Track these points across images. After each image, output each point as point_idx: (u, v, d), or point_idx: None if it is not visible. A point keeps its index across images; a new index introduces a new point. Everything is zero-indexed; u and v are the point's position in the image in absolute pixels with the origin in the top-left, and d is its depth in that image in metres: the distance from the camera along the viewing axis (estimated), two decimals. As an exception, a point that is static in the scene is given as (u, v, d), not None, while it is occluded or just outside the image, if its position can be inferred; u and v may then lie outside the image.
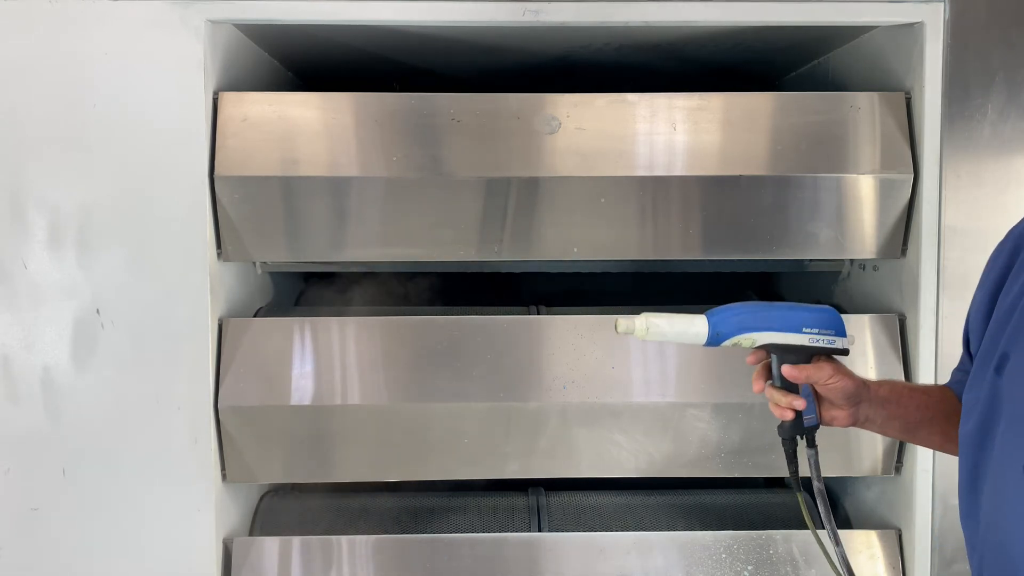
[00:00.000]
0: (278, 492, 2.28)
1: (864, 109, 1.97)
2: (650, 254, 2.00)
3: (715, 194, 1.97)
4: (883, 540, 2.00)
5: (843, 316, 2.04)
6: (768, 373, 1.42)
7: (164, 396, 1.89)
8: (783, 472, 2.03)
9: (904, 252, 1.99)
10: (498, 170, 1.95)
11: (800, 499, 1.47)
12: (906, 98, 1.98)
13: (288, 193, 1.94)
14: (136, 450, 1.89)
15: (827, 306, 1.43)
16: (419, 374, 1.96)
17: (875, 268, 2.15)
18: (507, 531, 2.10)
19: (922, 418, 1.42)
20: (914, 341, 1.95)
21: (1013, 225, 1.33)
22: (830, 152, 1.97)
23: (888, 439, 1.97)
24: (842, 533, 2.01)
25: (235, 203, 1.92)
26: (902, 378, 1.96)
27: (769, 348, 1.40)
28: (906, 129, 1.97)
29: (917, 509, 1.94)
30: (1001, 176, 1.92)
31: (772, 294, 2.79)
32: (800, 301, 2.48)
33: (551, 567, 1.97)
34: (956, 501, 1.31)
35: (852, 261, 2.24)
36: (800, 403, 1.39)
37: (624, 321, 1.36)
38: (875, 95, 1.98)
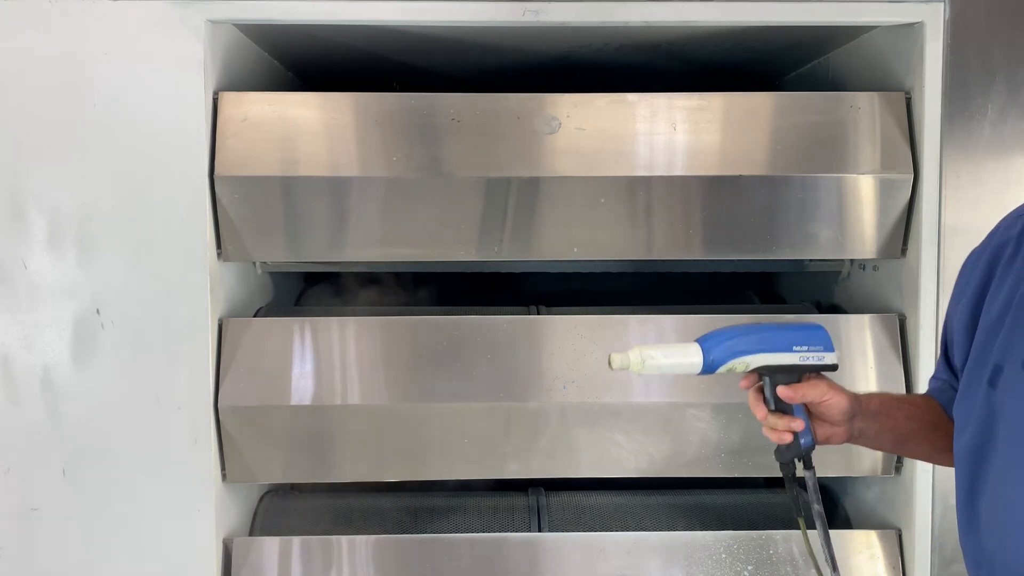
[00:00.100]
0: (278, 492, 2.28)
1: (864, 109, 1.97)
2: (650, 254, 2.00)
3: (715, 194, 1.96)
4: (883, 540, 2.00)
5: (843, 316, 2.06)
6: (762, 397, 1.39)
7: (164, 396, 1.89)
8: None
9: (904, 252, 1.99)
10: (498, 170, 1.95)
11: (801, 524, 1.42)
12: (906, 98, 1.98)
13: (288, 193, 1.94)
14: (136, 450, 1.89)
15: (813, 322, 1.41)
16: (419, 374, 1.96)
17: (875, 268, 2.15)
18: (507, 531, 2.10)
19: (912, 429, 1.41)
20: (914, 341, 1.95)
21: (988, 234, 1.33)
22: (830, 152, 1.97)
23: (888, 439, 1.97)
24: (842, 533, 2.03)
25: (235, 203, 1.92)
26: (902, 378, 1.96)
27: (761, 371, 1.37)
28: (906, 129, 1.97)
29: (917, 509, 1.94)
30: (1001, 176, 1.92)
31: (772, 294, 2.79)
32: (800, 301, 2.50)
33: (551, 567, 1.97)
34: (955, 501, 1.30)
35: (852, 261, 2.24)
36: (799, 424, 1.36)
37: (618, 357, 1.33)
38: (875, 95, 1.98)
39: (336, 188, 1.94)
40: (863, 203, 1.97)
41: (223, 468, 1.94)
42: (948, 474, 1.92)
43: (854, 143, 1.97)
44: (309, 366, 1.95)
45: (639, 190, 1.96)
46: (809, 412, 1.37)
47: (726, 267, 2.35)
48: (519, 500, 2.20)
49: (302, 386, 1.94)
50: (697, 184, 1.96)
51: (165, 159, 1.87)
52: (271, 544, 1.97)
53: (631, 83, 2.54)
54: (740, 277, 2.68)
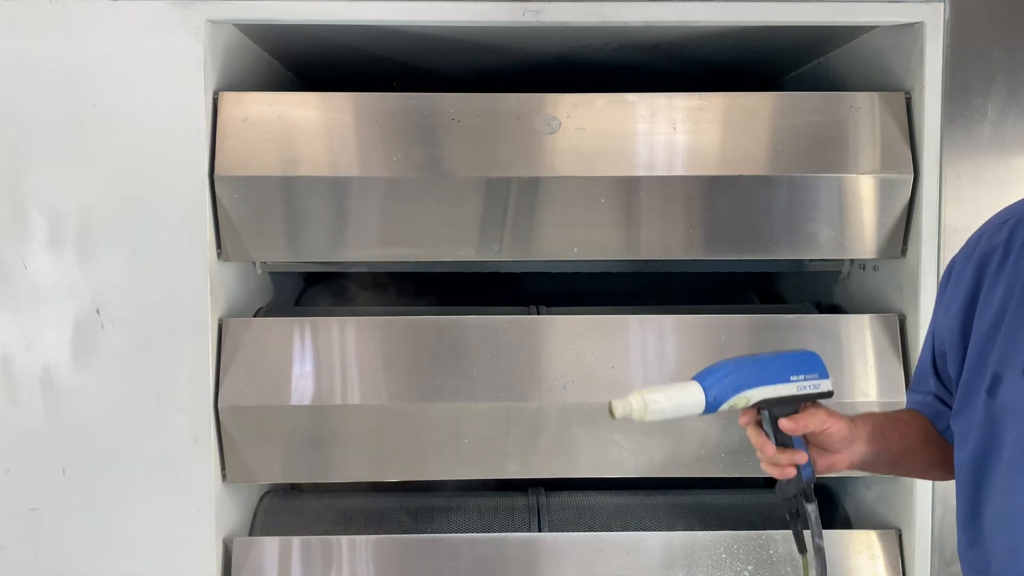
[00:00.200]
0: (278, 492, 2.28)
1: (864, 109, 1.97)
2: (650, 254, 2.00)
3: (715, 194, 1.96)
4: (883, 540, 2.00)
5: (843, 316, 2.06)
6: (763, 432, 1.33)
7: (164, 396, 1.89)
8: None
9: (904, 252, 1.99)
10: (498, 170, 1.95)
11: (804, 563, 1.38)
12: (906, 98, 1.98)
13: (288, 193, 1.94)
14: (136, 450, 1.89)
15: (806, 349, 1.36)
16: (419, 374, 1.96)
17: (875, 268, 2.15)
18: (507, 531, 2.10)
19: (906, 448, 1.38)
20: (914, 341, 1.95)
21: (968, 242, 1.32)
22: (830, 152, 1.97)
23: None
24: (842, 533, 2.03)
25: (235, 203, 1.92)
26: (902, 378, 1.96)
27: (760, 404, 1.31)
28: (906, 129, 1.97)
29: (917, 509, 1.94)
30: (1001, 176, 1.92)
31: (772, 294, 2.79)
32: (800, 301, 2.50)
33: (551, 567, 1.97)
34: (955, 501, 1.30)
35: (852, 261, 2.24)
36: (801, 457, 1.30)
37: (619, 405, 1.26)
38: (875, 95, 1.98)
39: (336, 188, 1.94)
40: (863, 203, 1.97)
41: (223, 468, 1.94)
42: (948, 474, 1.92)
43: (854, 143, 1.97)
44: (309, 366, 1.95)
45: (639, 190, 1.96)
46: (807, 442, 1.33)
47: (726, 267, 2.35)
48: (519, 500, 2.20)
49: (302, 386, 1.94)
50: (697, 184, 1.96)
51: (165, 159, 1.87)
52: (271, 544, 1.97)
53: (631, 83, 2.54)
54: (740, 277, 2.68)
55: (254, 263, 2.17)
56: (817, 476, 1.34)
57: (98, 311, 1.88)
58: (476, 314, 2.04)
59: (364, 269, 2.42)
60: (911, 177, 1.96)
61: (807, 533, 1.36)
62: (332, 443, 1.97)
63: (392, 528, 2.13)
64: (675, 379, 1.96)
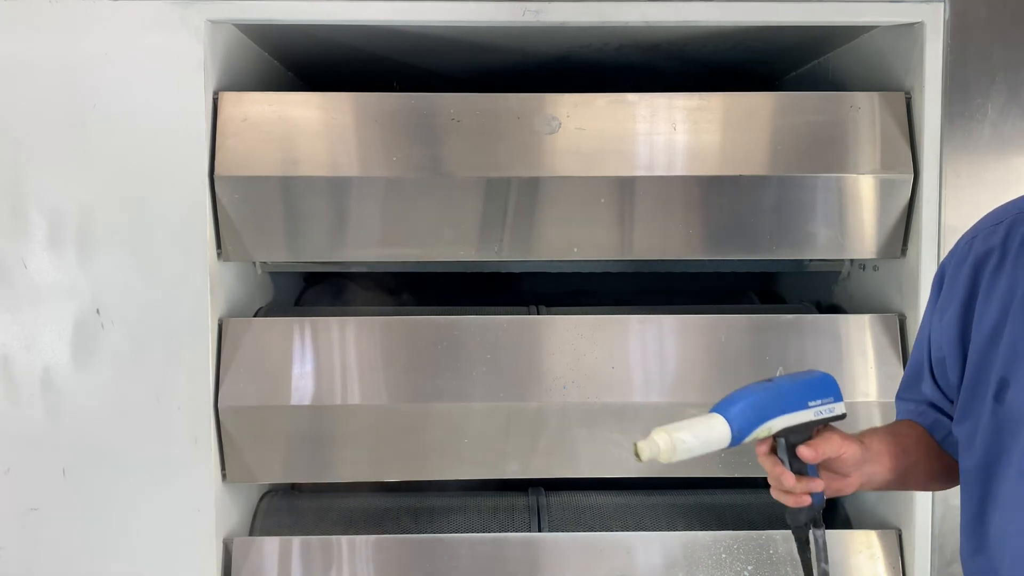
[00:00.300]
0: (278, 492, 2.28)
1: (864, 109, 1.97)
2: (650, 254, 2.00)
3: (715, 194, 1.96)
4: (883, 540, 2.00)
5: (843, 316, 2.06)
6: (779, 461, 1.28)
7: (164, 396, 1.89)
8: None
9: (904, 252, 1.99)
10: (498, 170, 1.95)
11: None
12: (906, 98, 1.98)
13: (288, 193, 1.94)
14: (136, 450, 1.89)
15: (820, 371, 1.32)
16: (419, 374, 1.96)
17: (875, 268, 2.15)
18: (507, 531, 2.10)
19: (909, 463, 1.34)
20: (914, 341, 1.95)
21: (959, 244, 1.29)
22: (830, 152, 1.97)
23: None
24: (842, 533, 2.03)
25: (235, 203, 1.92)
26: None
27: (779, 432, 1.27)
28: (906, 129, 1.97)
29: (917, 509, 1.94)
30: (1001, 176, 1.92)
31: (772, 294, 2.79)
32: (800, 301, 2.50)
33: (551, 567, 1.97)
34: (957, 501, 1.28)
35: (852, 261, 2.24)
36: (819, 485, 1.26)
37: (646, 446, 1.22)
38: (875, 95, 1.98)
39: (336, 188, 1.94)
40: (863, 203, 1.97)
41: (223, 468, 1.94)
42: (948, 474, 1.92)
43: (854, 143, 1.97)
44: (309, 366, 1.95)
45: (639, 190, 1.96)
46: (817, 467, 1.29)
47: (726, 267, 2.35)
48: (519, 500, 2.20)
49: (302, 386, 1.94)
50: (697, 184, 1.96)
51: (165, 159, 1.87)
52: (271, 544, 1.97)
53: (631, 83, 2.54)
54: (740, 277, 2.68)
55: (254, 263, 2.17)
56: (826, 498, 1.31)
57: (98, 311, 1.88)
58: (476, 314, 2.04)
59: (364, 269, 2.42)
60: (911, 177, 1.96)
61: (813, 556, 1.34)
62: (332, 443, 1.97)
63: (392, 528, 2.13)
64: (678, 377, 1.98)
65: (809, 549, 1.33)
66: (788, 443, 1.26)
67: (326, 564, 1.96)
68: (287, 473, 2.01)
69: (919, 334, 1.39)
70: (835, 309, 2.33)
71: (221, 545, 1.94)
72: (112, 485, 1.89)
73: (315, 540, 1.98)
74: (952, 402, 1.31)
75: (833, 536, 2.01)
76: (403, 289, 2.63)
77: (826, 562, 1.32)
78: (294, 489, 2.34)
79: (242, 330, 1.95)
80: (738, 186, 1.96)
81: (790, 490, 1.26)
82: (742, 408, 1.25)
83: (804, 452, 1.25)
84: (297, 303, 2.62)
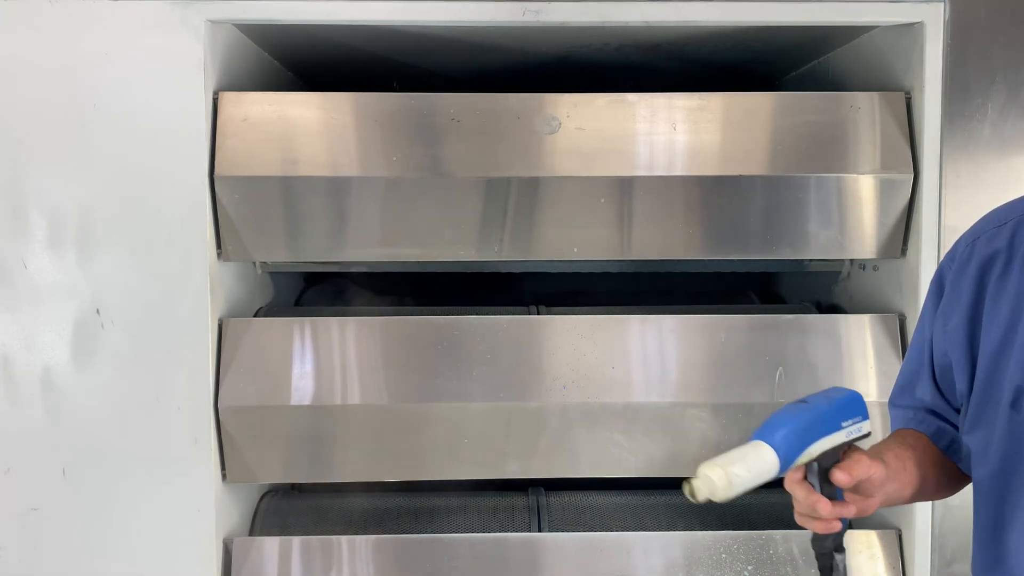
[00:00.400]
0: (278, 492, 2.28)
1: (864, 109, 1.97)
2: (650, 254, 2.00)
3: (715, 194, 1.96)
4: (883, 540, 2.00)
5: (843, 316, 2.06)
6: (810, 486, 1.21)
7: (164, 396, 1.89)
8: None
9: (904, 252, 1.99)
10: (498, 170, 1.95)
11: None
12: (906, 98, 1.98)
13: (288, 193, 1.94)
14: (136, 450, 1.89)
15: (849, 389, 1.26)
16: (419, 374, 1.96)
17: (875, 268, 2.15)
18: (507, 531, 2.10)
19: (922, 475, 1.29)
20: (914, 341, 1.95)
21: (958, 248, 1.25)
22: (830, 152, 1.97)
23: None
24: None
25: (235, 203, 1.92)
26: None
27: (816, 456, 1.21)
28: (906, 129, 1.97)
29: (917, 509, 1.94)
30: (1001, 176, 1.92)
31: (772, 294, 2.79)
32: (800, 301, 2.50)
33: (551, 567, 1.97)
34: (957, 502, 1.26)
35: (852, 261, 2.24)
36: (851, 510, 1.20)
37: (702, 486, 1.20)
38: (875, 95, 1.98)
39: (336, 188, 1.94)
40: (863, 203, 1.97)
41: (223, 468, 1.94)
42: (948, 474, 1.92)
43: (854, 143, 1.97)
44: (309, 366, 1.95)
45: (639, 190, 1.96)
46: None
47: (726, 267, 2.35)
48: (519, 500, 2.20)
49: (302, 386, 1.94)
50: (697, 184, 1.96)
51: (165, 159, 1.87)
52: (271, 544, 1.97)
53: (631, 83, 2.54)
54: (740, 277, 2.68)
55: (254, 263, 2.18)
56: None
57: (98, 311, 1.88)
58: (476, 314, 2.04)
59: (364, 269, 2.42)
60: (911, 177, 1.96)
61: None
62: (332, 443, 1.97)
63: (392, 528, 2.13)
64: (678, 377, 1.97)
65: (832, 572, 1.27)
66: (821, 467, 1.20)
67: (326, 564, 1.96)
68: (287, 473, 2.01)
69: (915, 338, 1.36)
70: (835, 309, 2.33)
71: (221, 545, 1.94)
72: (112, 485, 1.89)
73: (315, 540, 1.98)
74: (956, 409, 1.28)
75: (833, 536, 2.01)
76: (403, 289, 2.63)
77: None
78: (294, 489, 2.34)
79: (242, 330, 1.95)
80: (738, 186, 1.96)
81: (824, 517, 1.19)
82: (786, 434, 1.19)
83: (839, 477, 1.18)
84: (297, 303, 2.61)
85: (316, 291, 2.65)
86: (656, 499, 2.21)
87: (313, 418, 1.94)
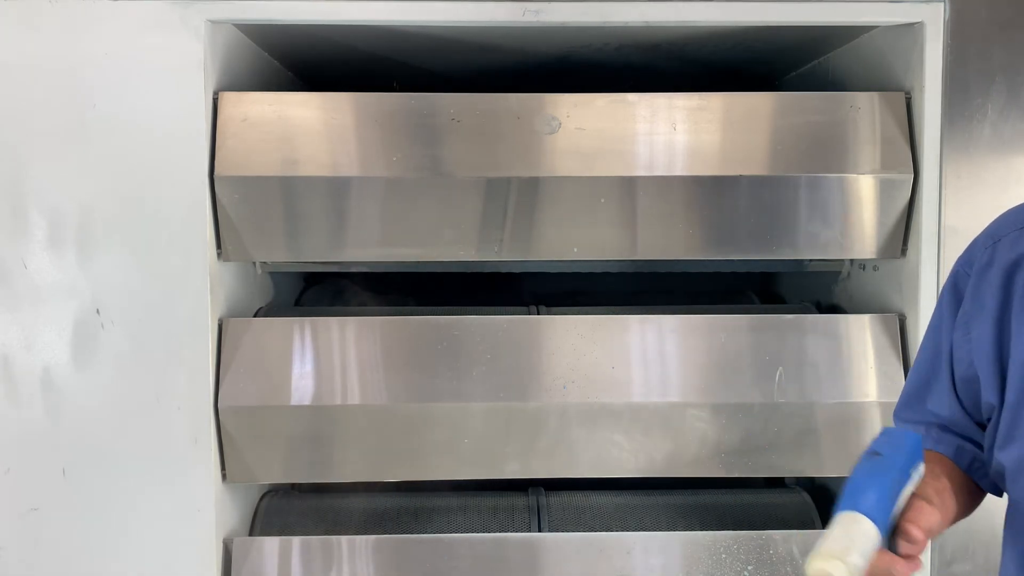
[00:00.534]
0: (278, 492, 2.28)
1: (864, 109, 1.97)
2: (650, 254, 2.00)
3: (715, 194, 1.96)
4: (883, 540, 2.00)
5: (843, 316, 2.06)
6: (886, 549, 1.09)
7: (164, 396, 1.89)
8: (783, 472, 2.04)
9: (904, 252, 1.99)
10: (498, 170, 1.95)
11: None
12: (906, 98, 1.98)
13: (288, 193, 1.94)
14: (136, 450, 1.89)
15: (909, 431, 1.18)
16: (419, 374, 1.96)
17: (875, 268, 2.15)
18: (507, 531, 2.10)
19: (958, 503, 1.21)
20: (914, 341, 1.95)
21: (975, 250, 1.20)
22: (830, 152, 1.97)
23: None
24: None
25: (235, 203, 1.92)
26: (902, 378, 1.96)
27: None
28: (906, 129, 1.97)
29: (917, 509, 1.94)
30: (1001, 176, 1.92)
31: (772, 294, 2.79)
32: (800, 301, 2.50)
33: (551, 567, 1.97)
34: (1004, 544, 1.21)
35: (852, 261, 2.24)
36: (917, 564, 1.09)
37: None
38: (875, 95, 1.98)
39: (336, 188, 1.94)
40: (863, 203, 1.97)
41: (223, 468, 1.94)
42: (948, 474, 1.92)
43: (854, 143, 1.97)
44: (309, 366, 1.95)
45: (639, 190, 1.96)
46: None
47: (726, 267, 2.35)
48: (519, 500, 2.20)
49: (302, 386, 1.94)
50: (697, 184, 1.96)
51: (165, 159, 1.87)
52: (271, 544, 1.97)
53: (631, 83, 2.54)
54: (740, 277, 2.68)
55: (254, 263, 2.18)
56: None
57: (98, 311, 1.88)
58: (476, 314, 2.04)
59: (364, 269, 2.42)
60: (911, 177, 1.96)
61: None
62: (332, 443, 1.97)
63: (392, 528, 2.13)
64: (678, 377, 1.97)
65: None
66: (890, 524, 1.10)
67: (326, 564, 1.96)
68: (287, 473, 2.00)
69: (926, 347, 1.28)
70: (835, 309, 2.33)
71: (221, 545, 1.94)
72: (112, 485, 1.89)
73: (315, 540, 1.98)
74: (978, 424, 1.21)
75: (833, 536, 2.01)
76: (403, 289, 2.63)
77: None
78: (294, 489, 2.34)
79: (242, 330, 1.95)
80: (738, 186, 1.96)
81: (896, 573, 1.06)
82: (878, 499, 1.08)
83: (915, 533, 1.08)
84: (297, 303, 2.61)
85: (316, 291, 2.65)
86: (656, 499, 2.21)
87: (313, 418, 1.94)
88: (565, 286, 2.83)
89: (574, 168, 1.95)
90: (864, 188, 1.97)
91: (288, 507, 2.21)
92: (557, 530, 2.11)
